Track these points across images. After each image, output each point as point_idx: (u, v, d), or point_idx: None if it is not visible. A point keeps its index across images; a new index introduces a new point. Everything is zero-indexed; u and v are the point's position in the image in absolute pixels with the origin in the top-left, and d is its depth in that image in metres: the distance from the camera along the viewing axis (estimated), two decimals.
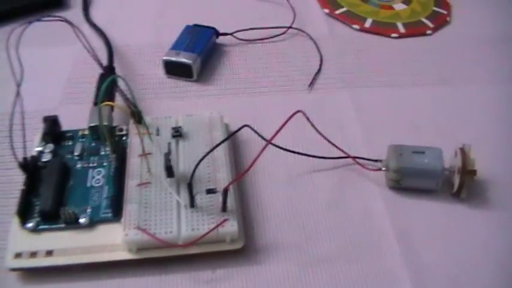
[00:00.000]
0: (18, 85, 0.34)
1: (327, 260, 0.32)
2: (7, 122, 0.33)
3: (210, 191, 0.31)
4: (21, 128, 0.34)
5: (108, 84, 0.30)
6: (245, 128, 0.33)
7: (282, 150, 0.36)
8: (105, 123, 0.36)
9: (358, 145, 0.39)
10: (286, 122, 0.31)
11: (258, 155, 0.30)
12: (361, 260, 0.32)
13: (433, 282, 0.31)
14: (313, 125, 0.35)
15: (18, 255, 0.31)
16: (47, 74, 0.45)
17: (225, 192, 0.31)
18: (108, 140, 0.33)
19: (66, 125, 0.38)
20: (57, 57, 0.47)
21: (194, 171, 0.30)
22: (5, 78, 0.36)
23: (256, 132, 0.33)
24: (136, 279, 0.31)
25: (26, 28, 0.38)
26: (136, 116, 0.35)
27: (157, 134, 0.36)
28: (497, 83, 0.46)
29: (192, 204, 0.32)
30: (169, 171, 0.33)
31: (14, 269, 0.31)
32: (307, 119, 0.34)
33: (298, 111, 0.33)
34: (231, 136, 0.32)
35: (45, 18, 0.47)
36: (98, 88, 0.40)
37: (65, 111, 0.40)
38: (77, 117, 0.38)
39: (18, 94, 0.34)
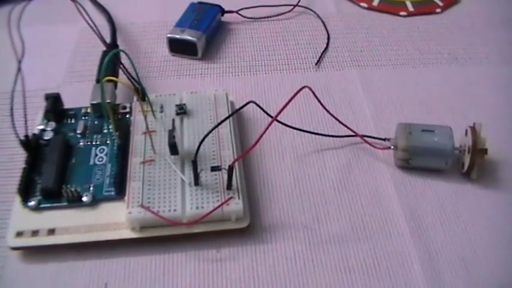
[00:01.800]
0: (19, 61, 0.34)
1: (335, 239, 0.32)
2: (8, 101, 0.32)
3: (214, 169, 0.31)
4: (22, 107, 0.33)
5: (110, 59, 0.29)
6: (251, 106, 0.32)
7: (289, 129, 0.35)
8: (108, 100, 0.35)
9: (366, 124, 0.39)
10: (293, 97, 0.30)
11: (264, 131, 0.29)
12: (370, 240, 0.32)
13: (442, 262, 0.31)
14: (319, 101, 0.34)
15: (19, 234, 0.30)
16: (50, 53, 0.45)
17: (230, 169, 0.30)
18: (111, 118, 0.33)
19: (69, 103, 0.37)
20: (60, 36, 0.47)
21: (199, 147, 0.30)
22: (7, 57, 0.35)
23: (261, 108, 0.32)
24: (139, 258, 0.31)
25: (26, 5, 0.37)
26: (140, 93, 0.34)
27: (161, 112, 0.35)
28: (508, 63, 0.45)
29: (197, 182, 0.31)
30: (173, 148, 0.32)
31: (15, 248, 0.30)
32: (314, 94, 0.33)
33: (305, 87, 0.32)
34: (236, 112, 0.31)
35: None
36: (101, 65, 0.39)
37: (68, 90, 0.39)
38: (80, 96, 0.38)
39: (19, 70, 0.33)
